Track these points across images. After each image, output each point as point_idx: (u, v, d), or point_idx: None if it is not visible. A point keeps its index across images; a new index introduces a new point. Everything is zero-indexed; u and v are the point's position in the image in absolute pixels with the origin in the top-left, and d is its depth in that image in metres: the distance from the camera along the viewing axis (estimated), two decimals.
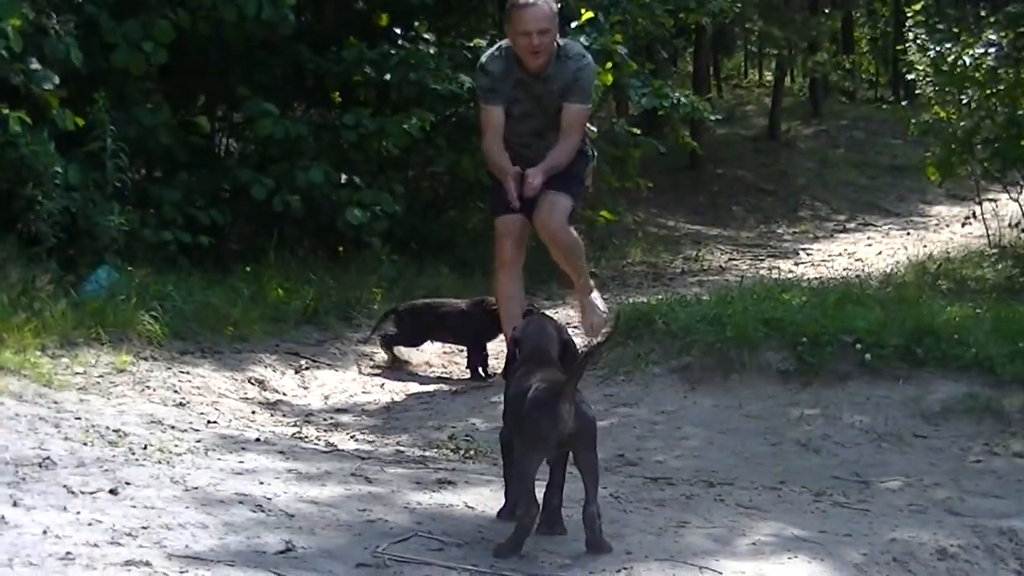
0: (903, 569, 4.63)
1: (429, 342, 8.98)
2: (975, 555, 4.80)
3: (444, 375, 8.52)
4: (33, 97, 8.56)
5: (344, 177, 10.99)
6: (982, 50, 12.06)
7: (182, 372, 7.33)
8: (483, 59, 7.98)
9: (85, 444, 5.24)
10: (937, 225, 18.68)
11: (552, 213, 7.80)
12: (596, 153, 8.45)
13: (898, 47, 14.69)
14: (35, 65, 8.51)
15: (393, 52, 11.63)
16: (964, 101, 11.94)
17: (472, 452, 6.06)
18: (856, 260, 14.75)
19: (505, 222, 7.85)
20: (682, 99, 14.33)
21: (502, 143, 7.85)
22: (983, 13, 16.29)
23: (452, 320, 8.69)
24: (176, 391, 6.87)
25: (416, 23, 12.00)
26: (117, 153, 9.13)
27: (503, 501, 4.83)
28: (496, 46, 7.96)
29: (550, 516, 4.70)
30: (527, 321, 5.20)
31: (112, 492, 4.52)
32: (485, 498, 5.06)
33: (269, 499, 4.73)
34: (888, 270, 11.89)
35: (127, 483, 4.68)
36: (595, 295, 8.15)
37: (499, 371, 6.34)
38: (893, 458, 6.17)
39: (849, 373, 6.98)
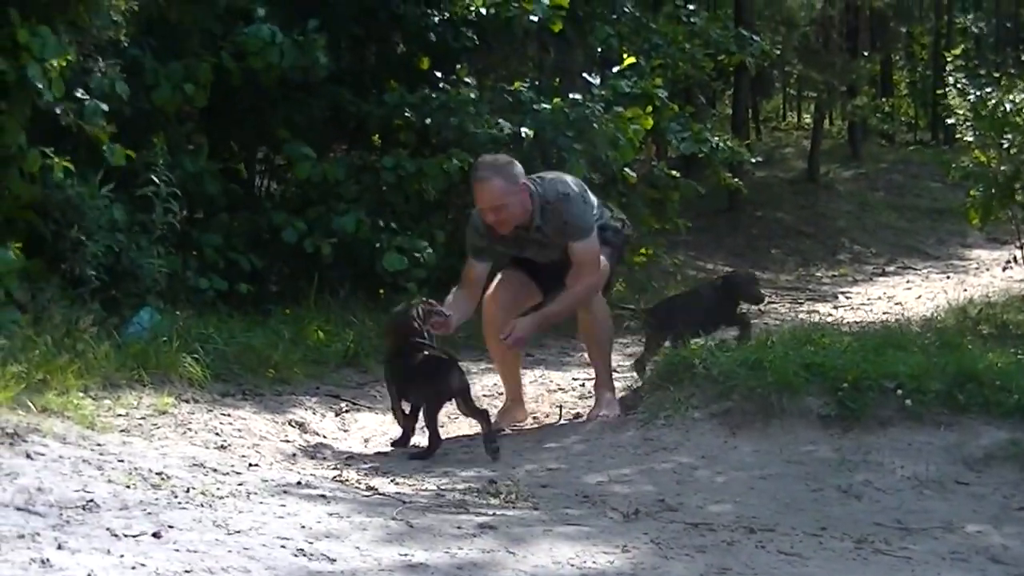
0: None
1: None
2: None
3: None
4: (84, 135, 8.61)
5: (384, 221, 11.05)
6: (1022, 95, 12.04)
7: (223, 414, 7.36)
8: (473, 214, 7.98)
9: (128, 487, 5.26)
10: (977, 269, 18.62)
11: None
12: (629, 230, 8.45)
13: (938, 91, 14.68)
14: (83, 96, 8.57)
15: (434, 96, 11.69)
16: (1005, 146, 11.91)
17: (513, 496, 6.05)
18: (896, 304, 14.71)
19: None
20: (721, 144, 14.36)
21: (469, 298, 7.95)
22: (1023, 58, 16.28)
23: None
24: (218, 433, 6.89)
25: (458, 66, 12.03)
26: (168, 198, 9.21)
27: (539, 544, 4.86)
28: None
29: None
30: (396, 313, 7.60)
31: (155, 535, 4.55)
32: (527, 543, 5.06)
33: (311, 543, 4.74)
34: (928, 314, 11.84)
35: (170, 526, 4.70)
36: (610, 396, 8.04)
37: None
38: (935, 505, 6.13)
39: (890, 419, 6.94)
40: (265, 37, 10.38)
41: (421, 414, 7.27)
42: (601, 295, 8.03)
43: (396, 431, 7.60)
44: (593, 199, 8.06)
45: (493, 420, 7.85)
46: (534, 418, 8.43)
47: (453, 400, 7.31)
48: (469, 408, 7.34)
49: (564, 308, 7.95)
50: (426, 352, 7.28)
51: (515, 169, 7.74)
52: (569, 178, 8.04)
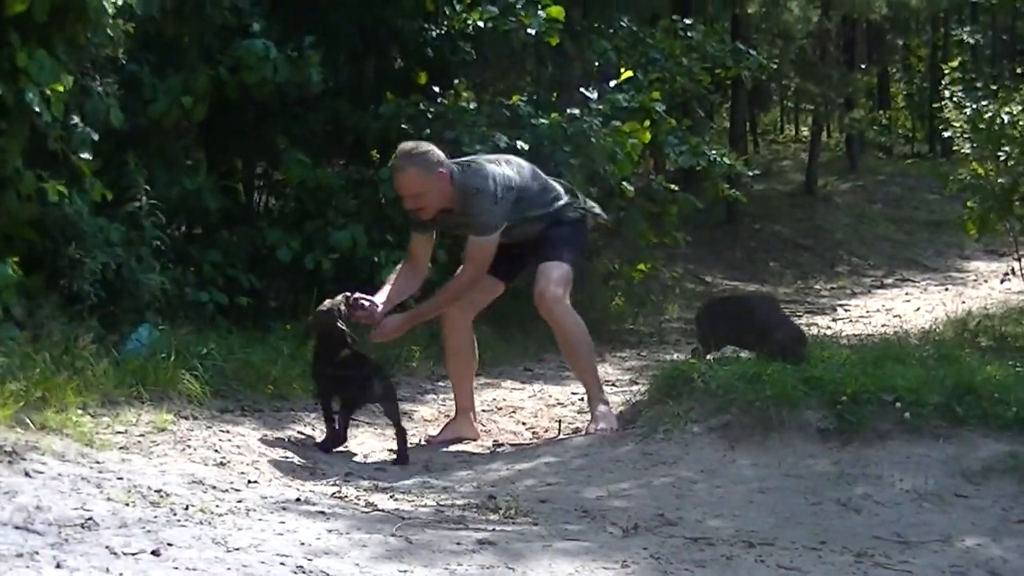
0: None
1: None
2: None
3: (483, 431, 8.49)
4: (70, 162, 8.60)
5: (383, 236, 11.05)
6: (1019, 107, 12.05)
7: (222, 431, 7.35)
8: None
9: (127, 504, 5.26)
10: (975, 281, 18.66)
11: (546, 284, 7.92)
12: (586, 213, 8.36)
13: (935, 104, 14.71)
14: (75, 121, 8.55)
15: (432, 109, 11.67)
16: (1002, 158, 11.93)
17: (513, 511, 6.04)
18: (894, 316, 14.74)
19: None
20: (718, 159, 14.37)
21: (413, 272, 8.16)
22: (1020, 70, 16.30)
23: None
24: (217, 450, 6.88)
25: (456, 81, 12.03)
26: (153, 212, 9.21)
27: (535, 563, 4.86)
28: None
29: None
30: (318, 312, 7.80)
31: (154, 553, 4.54)
32: (526, 559, 5.06)
33: (310, 559, 4.74)
34: (927, 327, 11.86)
35: (169, 544, 4.70)
36: (605, 409, 8.00)
37: None
38: (934, 518, 6.13)
39: (889, 432, 6.94)
40: (259, 52, 10.39)
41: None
42: (568, 304, 8.02)
43: (395, 445, 7.62)
44: (543, 183, 8.13)
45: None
46: (533, 433, 8.44)
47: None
48: (388, 416, 7.68)
49: (436, 304, 8.17)
50: (348, 352, 7.60)
51: (432, 156, 7.81)
52: (496, 171, 7.93)
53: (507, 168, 8.01)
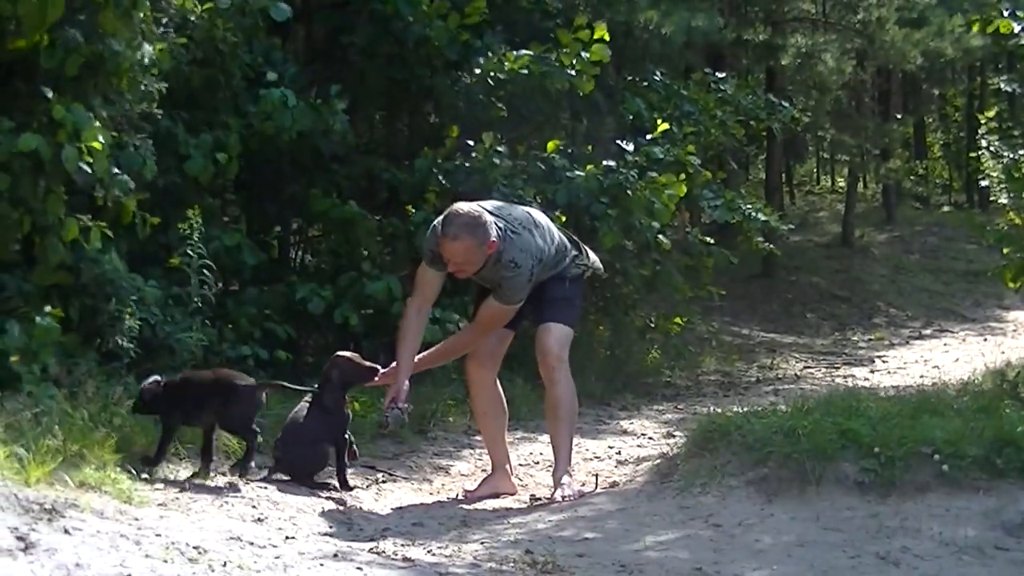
0: None
1: None
2: None
3: (520, 485, 8.47)
4: (110, 209, 8.63)
5: None
6: None
7: (260, 487, 7.37)
8: (435, 225, 7.90)
9: (165, 561, 5.26)
10: (1015, 331, 18.56)
11: (551, 343, 7.99)
12: (587, 268, 8.30)
13: (971, 154, 14.65)
14: (114, 170, 8.57)
15: (467, 164, 11.67)
16: None
17: (550, 566, 6.03)
18: (932, 367, 14.65)
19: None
20: (754, 214, 14.36)
21: (425, 314, 8.12)
22: None
23: None
24: (254, 506, 6.89)
25: (486, 133, 12.01)
26: (202, 270, 9.26)
27: None
28: None
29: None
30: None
31: None
32: None
33: None
34: (965, 378, 11.78)
35: None
36: (568, 479, 8.02)
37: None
38: (975, 571, 6.09)
39: (928, 484, 6.91)
40: (276, 100, 10.40)
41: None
42: (567, 368, 8.06)
43: (432, 500, 7.60)
44: (559, 244, 8.06)
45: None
46: None
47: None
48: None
49: (438, 355, 8.44)
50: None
51: (488, 227, 7.69)
52: (534, 245, 7.88)
53: (538, 237, 7.95)
